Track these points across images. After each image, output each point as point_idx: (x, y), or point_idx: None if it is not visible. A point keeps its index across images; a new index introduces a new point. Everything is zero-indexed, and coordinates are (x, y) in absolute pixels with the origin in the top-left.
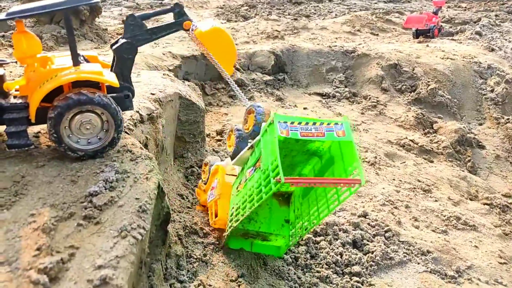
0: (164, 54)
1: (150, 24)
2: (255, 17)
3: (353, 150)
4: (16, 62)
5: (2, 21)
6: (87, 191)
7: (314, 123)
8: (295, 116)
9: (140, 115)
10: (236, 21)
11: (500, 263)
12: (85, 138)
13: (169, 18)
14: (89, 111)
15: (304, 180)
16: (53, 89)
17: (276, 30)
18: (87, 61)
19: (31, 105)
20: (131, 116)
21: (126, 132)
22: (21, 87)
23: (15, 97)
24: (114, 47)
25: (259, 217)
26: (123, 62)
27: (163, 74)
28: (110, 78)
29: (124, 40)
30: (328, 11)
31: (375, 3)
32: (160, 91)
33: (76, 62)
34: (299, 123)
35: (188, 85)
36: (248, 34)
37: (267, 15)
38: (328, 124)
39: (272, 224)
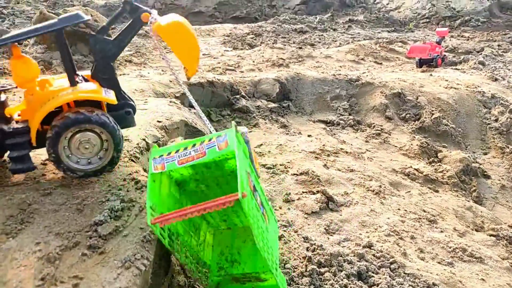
0: (171, 81)
1: None
2: (260, 45)
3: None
4: (16, 87)
5: None
6: (92, 220)
7: (194, 145)
8: (176, 144)
9: (147, 143)
10: (242, 49)
11: None
12: (85, 158)
13: None
14: (88, 130)
15: (173, 214)
16: (54, 111)
17: (281, 58)
18: (86, 80)
19: (31, 128)
20: (138, 144)
21: (132, 160)
22: (22, 111)
23: (17, 122)
24: (91, 74)
25: (242, 257)
26: (105, 83)
27: (170, 102)
28: (107, 96)
29: (95, 63)
30: (333, 40)
31: (379, 32)
32: (167, 119)
33: (73, 83)
34: (177, 151)
35: (194, 112)
36: (253, 61)
37: (273, 43)
38: (210, 140)
39: (258, 262)
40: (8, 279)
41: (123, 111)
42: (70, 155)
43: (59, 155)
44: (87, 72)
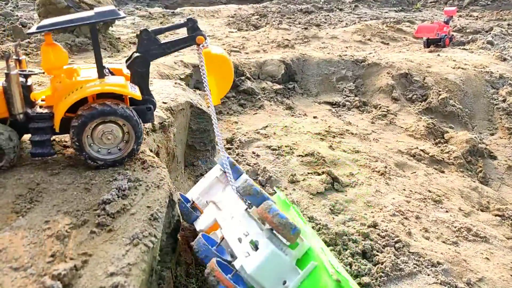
0: (175, 63)
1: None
2: (265, 26)
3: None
4: (43, 72)
5: (32, 34)
6: (100, 199)
7: None
8: None
9: (152, 124)
10: (247, 30)
11: None
12: (105, 148)
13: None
14: (112, 122)
15: None
16: (78, 100)
17: (287, 39)
18: (112, 73)
19: (56, 115)
20: (143, 125)
21: None
22: (47, 97)
23: (41, 107)
24: (127, 63)
25: None
26: (137, 76)
27: (175, 83)
28: (134, 91)
29: (137, 55)
30: (339, 20)
31: (386, 12)
32: (172, 100)
33: (101, 75)
34: None
35: (199, 94)
36: (258, 43)
37: (278, 24)
38: None
39: None
40: (19, 255)
41: (145, 107)
42: (91, 144)
43: (82, 144)
44: (112, 65)
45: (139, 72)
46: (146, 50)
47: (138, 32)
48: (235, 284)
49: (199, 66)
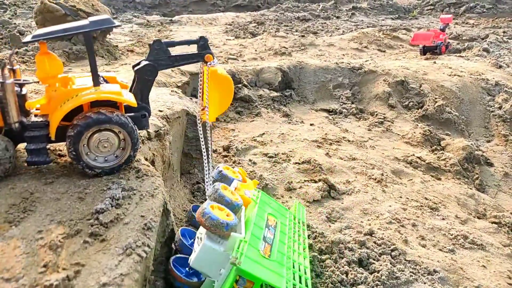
0: (172, 70)
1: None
2: (263, 33)
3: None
4: (38, 82)
5: (28, 43)
6: (93, 208)
7: None
8: None
9: (148, 132)
10: (244, 38)
11: (509, 283)
12: (102, 156)
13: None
14: (107, 130)
15: None
16: (73, 108)
17: (284, 47)
18: (106, 82)
19: (51, 123)
20: (139, 133)
21: None
22: (42, 106)
23: (36, 115)
24: (136, 68)
25: None
26: (143, 83)
27: (171, 91)
28: (129, 98)
29: (146, 62)
30: (336, 28)
31: (382, 20)
32: (168, 108)
33: (96, 83)
34: None
35: (196, 101)
36: (256, 50)
37: (275, 31)
38: None
39: None
40: (11, 266)
41: (139, 114)
42: (88, 153)
43: (79, 153)
44: (106, 74)
45: (146, 80)
46: (155, 59)
47: (152, 42)
48: (187, 278)
49: (200, 82)
